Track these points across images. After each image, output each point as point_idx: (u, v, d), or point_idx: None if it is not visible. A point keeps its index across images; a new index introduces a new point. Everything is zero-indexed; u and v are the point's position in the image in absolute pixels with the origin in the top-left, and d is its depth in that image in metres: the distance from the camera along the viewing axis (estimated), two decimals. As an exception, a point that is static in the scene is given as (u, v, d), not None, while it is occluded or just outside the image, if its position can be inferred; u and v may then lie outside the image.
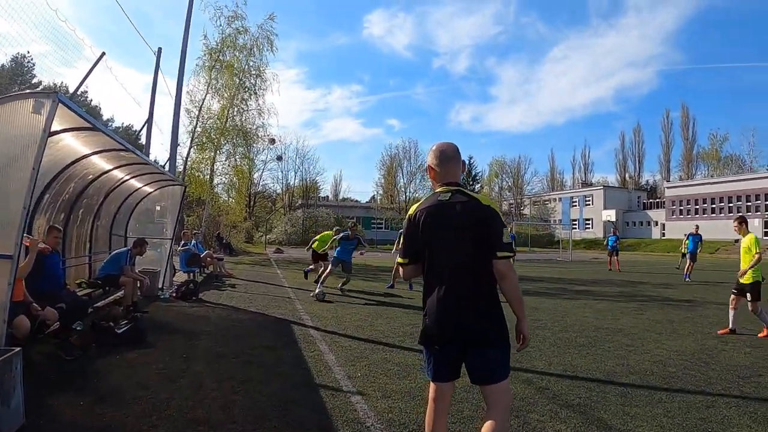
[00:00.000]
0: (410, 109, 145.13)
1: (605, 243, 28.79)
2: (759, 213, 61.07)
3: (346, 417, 4.55)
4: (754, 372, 6.48)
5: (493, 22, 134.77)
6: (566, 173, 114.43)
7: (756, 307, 8.58)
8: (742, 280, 8.89)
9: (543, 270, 26.03)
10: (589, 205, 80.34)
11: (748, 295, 8.73)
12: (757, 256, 8.65)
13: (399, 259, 3.40)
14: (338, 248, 13.84)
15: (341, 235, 14.21)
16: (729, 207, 64.29)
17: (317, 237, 16.51)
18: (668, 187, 75.13)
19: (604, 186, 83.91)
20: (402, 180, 67.61)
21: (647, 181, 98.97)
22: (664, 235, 70.31)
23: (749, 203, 62.53)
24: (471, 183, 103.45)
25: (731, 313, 8.96)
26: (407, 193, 68.49)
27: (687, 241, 22.19)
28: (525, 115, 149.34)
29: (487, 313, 3.08)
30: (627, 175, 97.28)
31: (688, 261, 21.64)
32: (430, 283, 3.22)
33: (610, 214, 72.06)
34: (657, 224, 73.59)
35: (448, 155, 3.35)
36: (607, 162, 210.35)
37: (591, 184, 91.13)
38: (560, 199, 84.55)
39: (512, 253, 3.09)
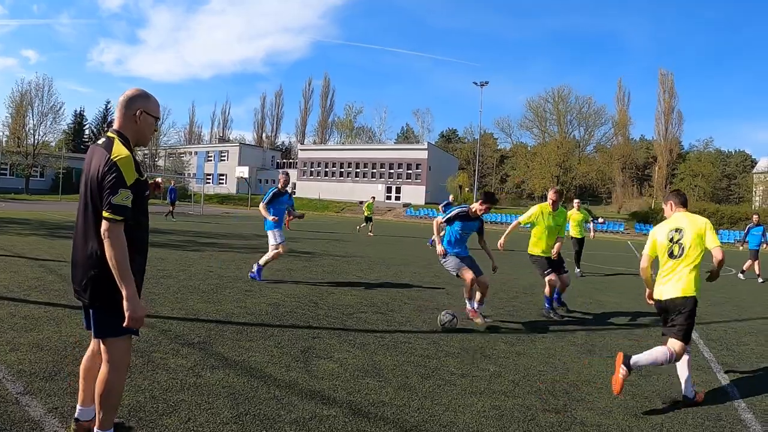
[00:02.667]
0: (51, 40, 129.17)
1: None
2: (383, 179, 69.66)
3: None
4: (357, 309, 7.69)
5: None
6: (205, 127, 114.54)
7: None
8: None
9: (174, 223, 25.85)
10: (224, 160, 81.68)
11: None
12: None
13: None
14: None
15: None
16: (356, 172, 71.95)
17: None
18: (302, 150, 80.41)
19: (240, 143, 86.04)
20: (32, 121, 59.66)
21: (283, 142, 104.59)
22: (294, 194, 75.24)
23: (374, 170, 70.92)
24: (105, 129, 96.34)
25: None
26: (36, 136, 60.67)
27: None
28: (172, 64, 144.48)
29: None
30: (264, 135, 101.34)
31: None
32: None
33: (244, 171, 74.30)
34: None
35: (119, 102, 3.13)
36: (247, 120, 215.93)
37: (228, 141, 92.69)
38: (196, 153, 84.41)
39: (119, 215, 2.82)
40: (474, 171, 64.40)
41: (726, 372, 5.86)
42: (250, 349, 5.27)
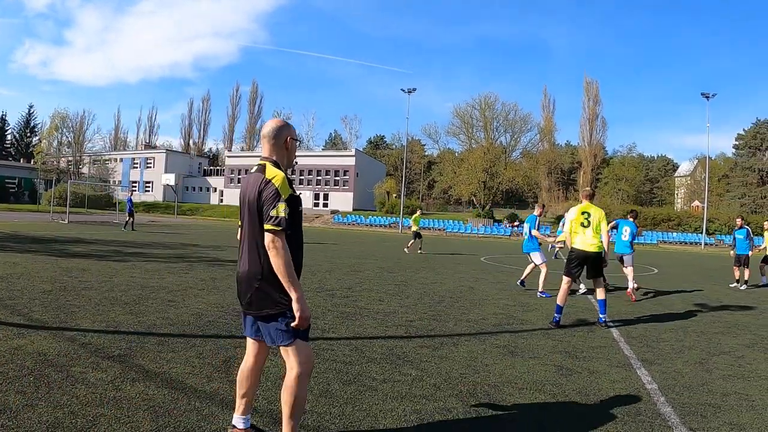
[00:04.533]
0: None
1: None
2: (311, 186, 69.66)
3: None
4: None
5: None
6: (131, 133, 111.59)
7: None
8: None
9: (99, 232, 25.20)
10: (150, 167, 79.76)
11: None
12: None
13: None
14: None
15: None
16: (284, 179, 71.34)
17: None
18: (229, 156, 79.43)
19: (167, 150, 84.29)
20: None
21: (210, 148, 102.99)
22: (222, 201, 74.22)
23: (302, 177, 70.79)
24: (28, 135, 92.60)
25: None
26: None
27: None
28: (99, 67, 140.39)
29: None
30: (191, 141, 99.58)
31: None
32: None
33: (170, 178, 72.79)
34: (216, 190, 77.18)
35: (262, 133, 3.51)
36: (174, 126, 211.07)
37: (155, 147, 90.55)
38: (122, 159, 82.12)
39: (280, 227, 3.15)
40: (402, 177, 65.03)
41: (645, 368, 6.14)
42: (171, 361, 5.27)
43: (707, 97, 52.84)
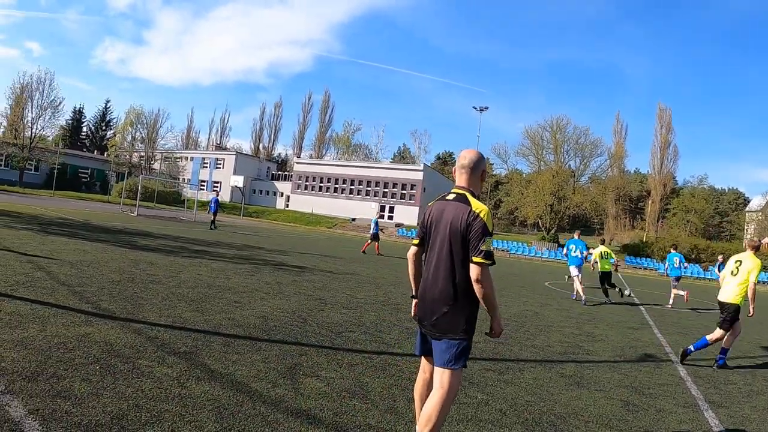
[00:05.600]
0: (56, 35, 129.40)
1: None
2: (377, 197, 69.81)
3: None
4: (346, 328, 7.61)
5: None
6: (203, 134, 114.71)
7: None
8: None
9: (167, 227, 25.77)
10: (220, 168, 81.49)
11: None
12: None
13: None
14: None
15: None
16: (351, 189, 72.04)
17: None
18: (298, 163, 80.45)
19: (237, 152, 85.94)
20: (31, 114, 59.45)
21: (279, 154, 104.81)
22: (288, 206, 75.15)
23: (369, 188, 71.00)
24: (103, 128, 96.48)
25: None
26: (34, 130, 60.48)
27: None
28: (174, 68, 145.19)
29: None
30: (261, 146, 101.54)
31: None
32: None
33: (239, 180, 74.21)
34: (282, 195, 78.25)
35: (460, 163, 3.74)
36: (245, 129, 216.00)
37: (225, 149, 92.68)
38: (192, 158, 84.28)
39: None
40: (469, 195, 64.44)
41: (713, 410, 5.87)
42: (236, 362, 5.20)
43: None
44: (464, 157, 3.72)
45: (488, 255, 3.33)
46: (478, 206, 3.45)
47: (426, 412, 3.39)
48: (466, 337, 3.48)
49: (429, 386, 3.68)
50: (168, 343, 5.55)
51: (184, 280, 9.89)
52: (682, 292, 17.94)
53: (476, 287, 3.36)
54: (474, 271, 3.33)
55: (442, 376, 3.43)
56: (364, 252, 26.28)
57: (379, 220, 27.71)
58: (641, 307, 16.47)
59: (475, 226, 3.36)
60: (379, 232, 27.71)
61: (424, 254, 3.84)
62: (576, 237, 16.83)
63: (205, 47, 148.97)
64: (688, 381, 7.16)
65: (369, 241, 26.85)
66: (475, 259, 3.33)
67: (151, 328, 6.10)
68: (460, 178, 3.73)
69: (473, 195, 3.58)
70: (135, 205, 38.41)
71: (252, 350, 5.76)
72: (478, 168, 3.69)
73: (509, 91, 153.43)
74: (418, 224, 3.71)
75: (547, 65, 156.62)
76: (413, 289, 3.89)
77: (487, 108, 59.59)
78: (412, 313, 3.83)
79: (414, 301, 3.82)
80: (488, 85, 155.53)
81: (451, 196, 3.66)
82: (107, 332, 5.61)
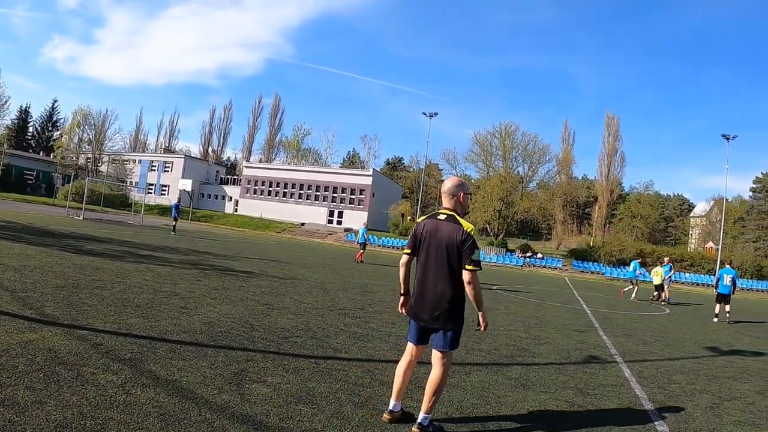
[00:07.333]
0: (2, 30, 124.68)
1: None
2: (326, 202, 69.71)
3: None
4: (293, 333, 7.68)
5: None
6: (151, 136, 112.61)
7: None
8: None
9: (113, 231, 25.29)
10: (168, 171, 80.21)
11: None
12: None
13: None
14: None
15: None
16: (300, 193, 71.82)
17: None
18: (247, 167, 79.75)
19: (186, 155, 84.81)
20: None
21: (228, 157, 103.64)
22: (237, 211, 74.40)
23: (318, 193, 70.96)
24: (50, 129, 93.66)
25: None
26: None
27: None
28: (125, 67, 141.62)
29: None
30: (210, 149, 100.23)
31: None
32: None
33: (187, 184, 73.12)
34: (231, 199, 77.43)
35: (443, 190, 4.66)
36: (194, 132, 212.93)
37: (174, 152, 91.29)
38: (140, 161, 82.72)
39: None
40: (417, 200, 64.94)
41: (657, 410, 6.09)
42: (182, 369, 5.21)
43: (727, 139, 52.49)
44: (445, 185, 4.66)
45: (477, 263, 4.31)
46: (467, 226, 4.39)
47: (432, 385, 4.44)
48: (458, 327, 4.47)
49: (409, 368, 4.67)
50: (113, 350, 5.53)
51: (130, 285, 9.79)
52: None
53: (468, 288, 4.33)
54: (466, 275, 4.30)
55: (443, 357, 4.48)
56: (361, 261, 27.26)
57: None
58: (588, 311, 16.93)
59: (468, 242, 4.31)
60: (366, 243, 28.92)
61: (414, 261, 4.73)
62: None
63: (157, 47, 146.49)
64: (632, 381, 7.41)
65: (361, 250, 28.24)
66: (467, 266, 4.29)
67: (95, 334, 6.05)
68: (445, 202, 4.63)
69: (459, 215, 4.53)
70: (81, 208, 37.54)
71: (198, 356, 5.77)
72: (456, 194, 4.60)
73: (461, 97, 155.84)
74: (409, 237, 4.78)
75: (500, 72, 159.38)
76: (402, 288, 4.77)
77: (436, 114, 60.16)
78: (400, 308, 4.84)
79: (402, 298, 4.80)
80: (440, 91, 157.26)
81: (442, 216, 4.54)
82: (51, 339, 5.56)
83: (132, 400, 4.21)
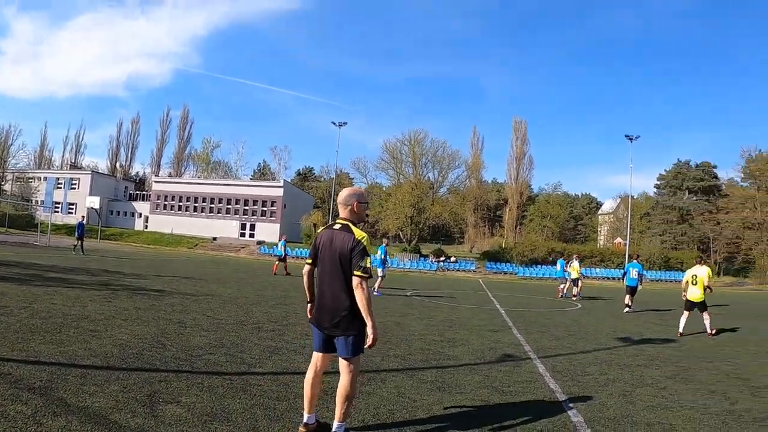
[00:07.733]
0: None
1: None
2: (238, 215, 68.86)
3: None
4: (206, 351, 7.71)
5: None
6: (57, 152, 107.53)
7: None
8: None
9: (18, 254, 24.30)
10: (74, 188, 77.12)
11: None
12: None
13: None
14: None
15: None
16: (211, 207, 70.59)
17: None
18: (156, 182, 77.68)
19: (93, 171, 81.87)
20: None
21: (137, 172, 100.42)
22: (147, 227, 72.32)
23: (230, 206, 70.00)
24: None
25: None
26: None
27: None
28: (28, 79, 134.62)
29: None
30: (118, 164, 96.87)
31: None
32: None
33: (95, 201, 70.53)
34: (141, 216, 75.19)
35: (338, 200, 4.79)
36: (101, 147, 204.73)
37: (80, 168, 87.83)
38: (46, 178, 79.18)
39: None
40: (329, 210, 65.08)
41: (571, 402, 6.40)
42: (94, 394, 5.20)
43: (631, 139, 55.63)
44: (340, 195, 4.82)
45: (366, 270, 4.40)
46: (359, 234, 4.52)
47: (342, 392, 4.46)
48: (359, 332, 4.50)
49: (318, 377, 4.74)
50: (22, 379, 5.47)
51: (38, 310, 9.59)
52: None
53: (357, 293, 4.39)
54: (355, 281, 4.39)
55: (349, 364, 4.50)
56: (288, 273, 27.27)
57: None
58: (502, 311, 17.37)
59: (357, 248, 4.42)
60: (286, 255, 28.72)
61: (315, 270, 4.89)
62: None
63: (63, 58, 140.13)
64: (546, 376, 7.73)
65: (277, 263, 28.14)
66: (356, 273, 4.39)
67: (2, 363, 5.96)
68: (341, 211, 4.78)
69: (354, 224, 4.65)
70: (-19, 231, 35.75)
71: (110, 380, 5.75)
72: (350, 203, 4.73)
73: (370, 106, 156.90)
74: (310, 247, 4.99)
75: (409, 81, 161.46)
76: (308, 296, 4.97)
77: (345, 123, 60.73)
78: (309, 316, 4.91)
79: (309, 306, 4.93)
80: (349, 100, 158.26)
81: (337, 226, 4.69)
82: (-46, 372, 5.43)
83: (43, 431, 4.20)
